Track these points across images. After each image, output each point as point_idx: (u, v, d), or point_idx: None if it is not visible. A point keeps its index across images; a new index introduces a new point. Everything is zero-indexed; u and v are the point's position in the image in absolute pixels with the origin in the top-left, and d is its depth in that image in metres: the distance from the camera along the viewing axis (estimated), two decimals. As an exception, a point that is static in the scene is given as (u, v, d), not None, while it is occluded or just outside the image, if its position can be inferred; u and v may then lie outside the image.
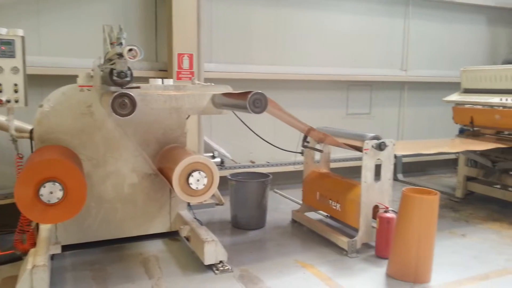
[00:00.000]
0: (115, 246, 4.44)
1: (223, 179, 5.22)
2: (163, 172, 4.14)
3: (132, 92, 3.46)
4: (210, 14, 6.33)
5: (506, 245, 4.68)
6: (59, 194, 3.19)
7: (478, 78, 6.17)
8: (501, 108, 5.63)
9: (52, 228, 4.11)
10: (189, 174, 3.60)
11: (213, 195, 5.92)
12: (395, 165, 7.54)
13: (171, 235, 4.71)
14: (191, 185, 3.60)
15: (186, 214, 4.66)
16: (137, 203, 4.49)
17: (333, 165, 5.72)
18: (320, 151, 5.18)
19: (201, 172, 3.63)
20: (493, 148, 5.47)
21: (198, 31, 5.78)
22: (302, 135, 5.08)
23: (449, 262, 4.22)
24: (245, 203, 5.11)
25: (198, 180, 3.62)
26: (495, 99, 5.70)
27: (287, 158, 6.37)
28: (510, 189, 5.82)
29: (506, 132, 6.09)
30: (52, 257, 3.99)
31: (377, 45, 7.65)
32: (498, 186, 6.03)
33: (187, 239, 4.36)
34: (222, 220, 5.42)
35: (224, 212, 5.64)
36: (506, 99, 5.54)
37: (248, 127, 5.15)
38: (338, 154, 6.63)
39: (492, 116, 5.75)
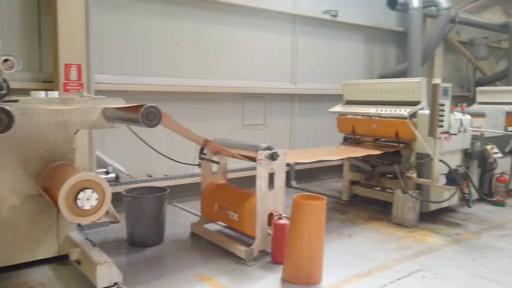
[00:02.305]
0: (-6, 277, 4.00)
1: (119, 196, 5.04)
2: (49, 192, 3.84)
3: (8, 106, 3.17)
4: (100, 24, 6.08)
5: (386, 242, 5.20)
6: None
7: (357, 91, 6.80)
8: (377, 118, 6.27)
9: None
10: (77, 193, 3.39)
11: (108, 213, 5.64)
12: (289, 172, 7.99)
13: (60, 260, 4.36)
14: (79, 205, 3.39)
15: (76, 235, 4.36)
16: (19, 227, 4.09)
17: (230, 175, 5.84)
18: (217, 162, 5.25)
19: (90, 190, 3.44)
20: (372, 154, 6.06)
21: (86, 41, 5.50)
22: (199, 147, 5.12)
23: (338, 262, 4.56)
24: (141, 219, 4.96)
25: (87, 199, 3.42)
26: (372, 110, 6.32)
27: (186, 171, 6.35)
28: (388, 190, 6.48)
29: (382, 139, 6.78)
30: None
31: (269, 59, 8.03)
32: (378, 188, 6.68)
33: (78, 262, 4.09)
34: (118, 239, 5.19)
35: (120, 230, 5.41)
36: (381, 110, 6.19)
37: (143, 140, 5.04)
38: (235, 164, 6.78)
39: (370, 125, 6.39)
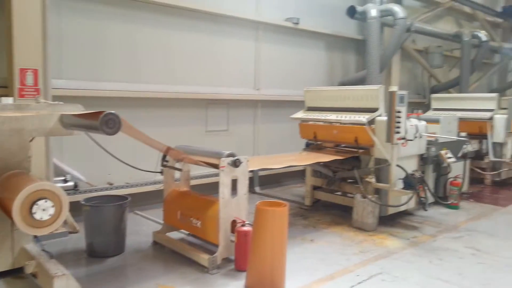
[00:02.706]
0: None
1: (78, 205, 4.89)
2: (2, 203, 3.68)
3: (-42, 115, 3.03)
4: (58, 27, 5.91)
5: (347, 246, 5.31)
6: None
7: (319, 97, 6.92)
8: (338, 124, 6.40)
9: None
10: (32, 204, 3.27)
11: (66, 223, 5.45)
12: (253, 178, 8.02)
13: (15, 273, 4.18)
14: (35, 216, 3.27)
15: (32, 247, 4.20)
16: (-31, 241, 3.90)
17: (193, 182, 5.79)
18: (180, 169, 5.21)
19: (46, 200, 3.32)
20: (333, 160, 6.18)
21: (43, 45, 5.31)
22: (161, 154, 5.05)
23: (301, 267, 4.62)
24: (101, 229, 4.83)
25: (43, 210, 3.30)
26: (332, 116, 6.44)
27: (148, 178, 6.24)
28: (348, 195, 6.63)
29: (343, 145, 6.93)
30: None
31: (232, 65, 8.05)
32: (339, 193, 6.82)
33: (34, 275, 3.93)
34: (77, 250, 5.03)
35: (79, 240, 5.23)
36: (342, 116, 6.33)
37: (103, 148, 4.93)
38: (198, 171, 6.73)
39: (331, 131, 6.52)
